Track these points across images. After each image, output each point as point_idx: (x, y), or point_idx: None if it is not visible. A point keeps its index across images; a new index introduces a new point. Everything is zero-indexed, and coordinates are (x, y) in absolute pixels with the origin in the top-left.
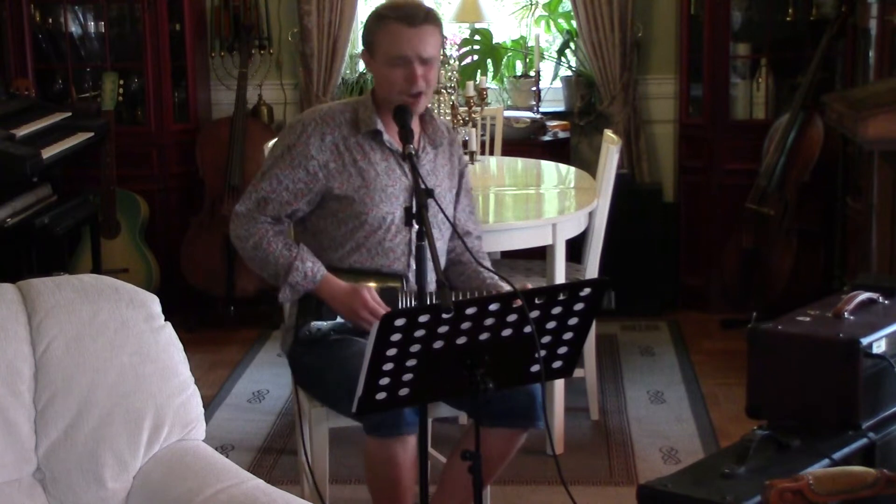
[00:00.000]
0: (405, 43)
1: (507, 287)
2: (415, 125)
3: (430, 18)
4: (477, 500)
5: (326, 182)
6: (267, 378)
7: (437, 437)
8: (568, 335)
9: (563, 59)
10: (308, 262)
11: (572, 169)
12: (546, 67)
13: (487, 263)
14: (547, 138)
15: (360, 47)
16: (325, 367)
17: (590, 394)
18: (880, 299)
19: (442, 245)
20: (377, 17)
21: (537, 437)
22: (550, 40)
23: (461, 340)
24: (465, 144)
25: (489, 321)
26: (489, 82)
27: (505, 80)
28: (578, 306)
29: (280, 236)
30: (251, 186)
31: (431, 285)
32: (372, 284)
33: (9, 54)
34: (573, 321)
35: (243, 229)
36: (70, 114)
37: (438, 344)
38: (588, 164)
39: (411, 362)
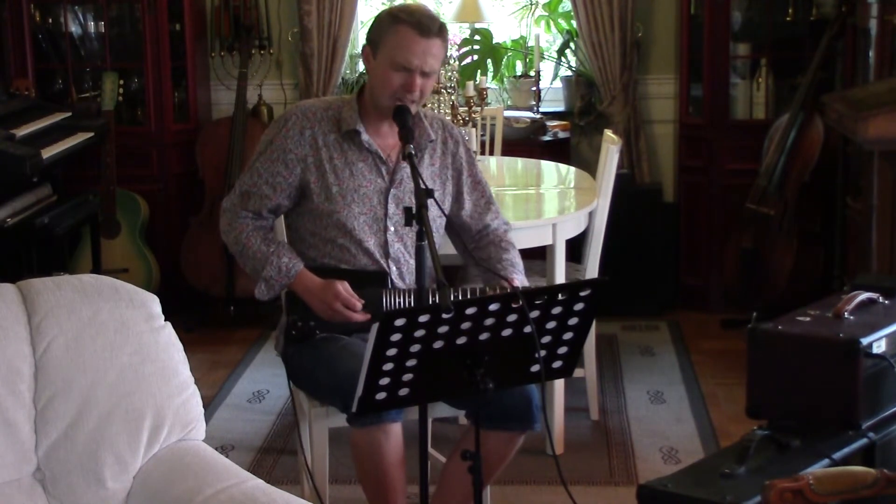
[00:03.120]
0: (413, 52)
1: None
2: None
3: (442, 32)
4: (477, 500)
5: (303, 176)
6: (267, 378)
7: (438, 437)
8: (568, 335)
9: (563, 59)
10: (284, 258)
11: (572, 169)
12: (546, 67)
13: (513, 251)
14: (547, 138)
15: (360, 47)
16: (313, 366)
17: (590, 394)
18: (880, 299)
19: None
20: (391, 18)
21: (537, 437)
22: (550, 40)
23: (461, 340)
24: None
25: (489, 321)
26: (489, 82)
27: (505, 80)
28: (578, 306)
29: (260, 231)
30: (237, 182)
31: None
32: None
33: (9, 54)
34: (573, 321)
35: (227, 224)
36: (70, 114)
37: (438, 344)
38: (588, 164)
39: (411, 362)
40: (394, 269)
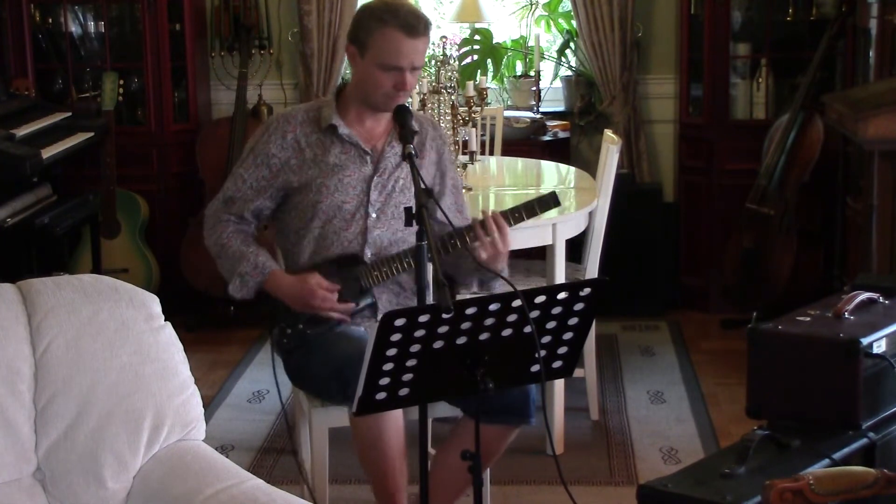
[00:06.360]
0: (403, 53)
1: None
2: (384, 120)
3: (427, 29)
4: (477, 500)
5: (287, 177)
6: (267, 378)
7: (437, 437)
8: (568, 335)
9: (563, 59)
10: (261, 258)
11: (572, 169)
12: (546, 67)
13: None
14: (547, 138)
15: None
16: (308, 361)
17: (590, 394)
18: (880, 299)
19: (405, 235)
20: (375, 19)
21: (537, 437)
22: (550, 40)
23: (461, 340)
24: (465, 144)
25: (489, 321)
26: (489, 82)
27: (505, 80)
28: (578, 306)
29: (240, 234)
30: (220, 190)
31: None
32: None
33: (9, 54)
34: (573, 321)
35: (210, 228)
36: (70, 114)
37: (438, 344)
38: (588, 164)
39: (411, 362)
40: (368, 253)
